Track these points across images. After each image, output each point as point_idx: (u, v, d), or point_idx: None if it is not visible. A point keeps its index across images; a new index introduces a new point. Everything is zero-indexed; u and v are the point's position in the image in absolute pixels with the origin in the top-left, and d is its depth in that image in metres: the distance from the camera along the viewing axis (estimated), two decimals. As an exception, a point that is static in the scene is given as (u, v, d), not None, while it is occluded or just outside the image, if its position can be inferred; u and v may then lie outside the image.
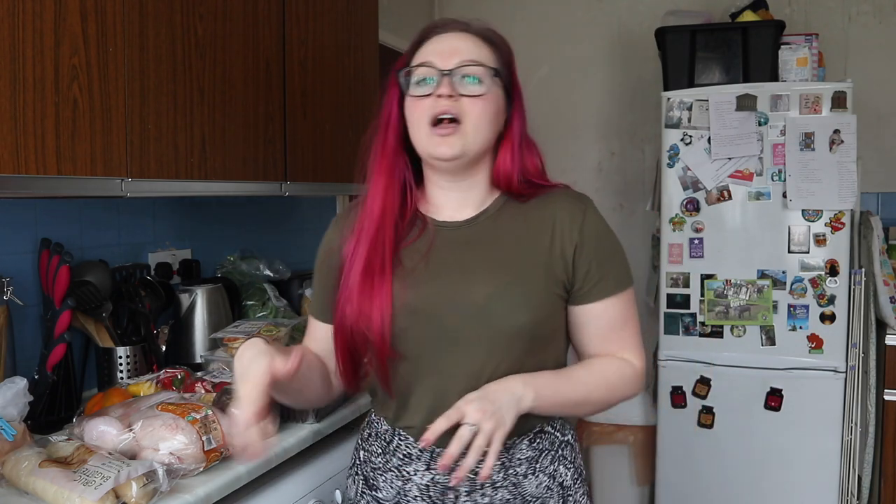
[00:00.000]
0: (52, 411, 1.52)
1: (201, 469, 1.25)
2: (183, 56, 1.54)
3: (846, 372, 2.49)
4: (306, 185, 2.00)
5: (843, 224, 2.47)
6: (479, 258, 1.14)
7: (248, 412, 0.96)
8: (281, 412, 1.51)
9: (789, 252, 2.52)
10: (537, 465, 1.16)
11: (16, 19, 1.17)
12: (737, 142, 2.53)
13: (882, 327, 2.53)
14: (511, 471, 1.14)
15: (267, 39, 1.81)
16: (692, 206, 2.61)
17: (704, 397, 2.63)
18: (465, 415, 0.99)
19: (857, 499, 2.53)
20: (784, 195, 2.50)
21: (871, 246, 2.51)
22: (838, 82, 2.49)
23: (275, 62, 1.85)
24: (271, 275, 2.23)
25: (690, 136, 2.59)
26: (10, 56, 1.16)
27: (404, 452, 1.17)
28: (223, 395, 1.44)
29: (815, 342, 2.51)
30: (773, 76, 2.58)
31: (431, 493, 1.14)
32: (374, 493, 1.20)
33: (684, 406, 2.65)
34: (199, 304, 1.91)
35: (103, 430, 1.27)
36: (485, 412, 0.99)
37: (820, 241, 2.49)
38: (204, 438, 1.26)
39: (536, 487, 1.15)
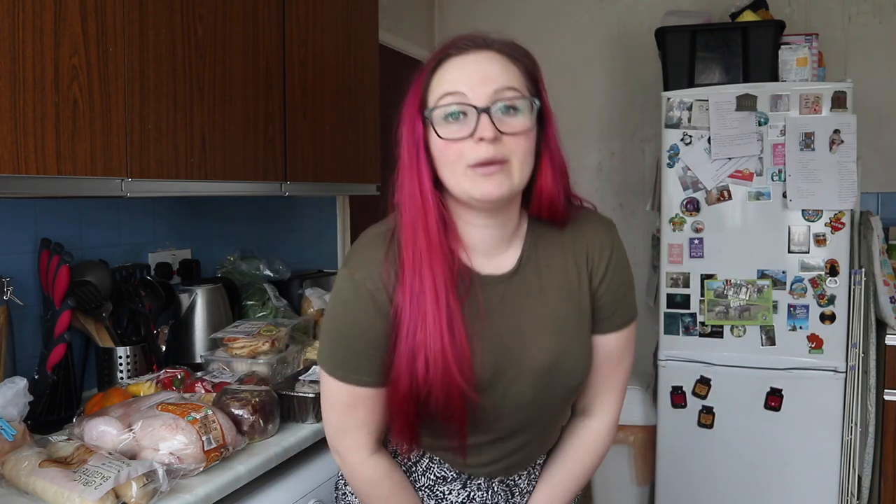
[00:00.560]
0: (52, 411, 1.52)
1: (201, 469, 1.25)
2: (183, 56, 1.54)
3: (846, 372, 2.49)
4: (306, 185, 2.00)
5: (843, 224, 2.47)
6: (530, 319, 1.08)
7: None
8: (281, 412, 1.51)
9: (789, 252, 2.52)
10: None
11: (16, 19, 1.17)
12: (737, 142, 2.53)
13: (882, 327, 2.53)
14: None
15: (267, 39, 1.81)
16: (692, 206, 2.61)
17: (704, 397, 2.63)
18: None
19: (857, 499, 2.53)
20: (784, 195, 2.50)
21: (871, 246, 2.51)
22: (838, 82, 2.49)
23: (275, 62, 1.85)
24: (271, 275, 2.23)
25: (690, 136, 2.59)
26: (10, 56, 1.16)
27: (437, 475, 1.17)
28: (223, 395, 1.44)
29: (815, 342, 2.51)
30: (773, 76, 2.58)
31: None
32: None
33: (684, 406, 2.65)
34: (199, 304, 1.92)
35: (103, 430, 1.27)
36: None
37: (820, 241, 2.49)
38: (204, 438, 1.26)
39: None
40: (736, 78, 2.65)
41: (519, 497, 1.20)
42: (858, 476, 2.54)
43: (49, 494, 1.12)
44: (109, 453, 1.20)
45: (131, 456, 1.23)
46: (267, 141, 1.82)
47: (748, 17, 2.70)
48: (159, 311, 1.86)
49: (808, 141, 2.48)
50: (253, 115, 1.77)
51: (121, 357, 1.68)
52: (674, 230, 2.63)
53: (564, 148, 1.10)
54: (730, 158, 2.54)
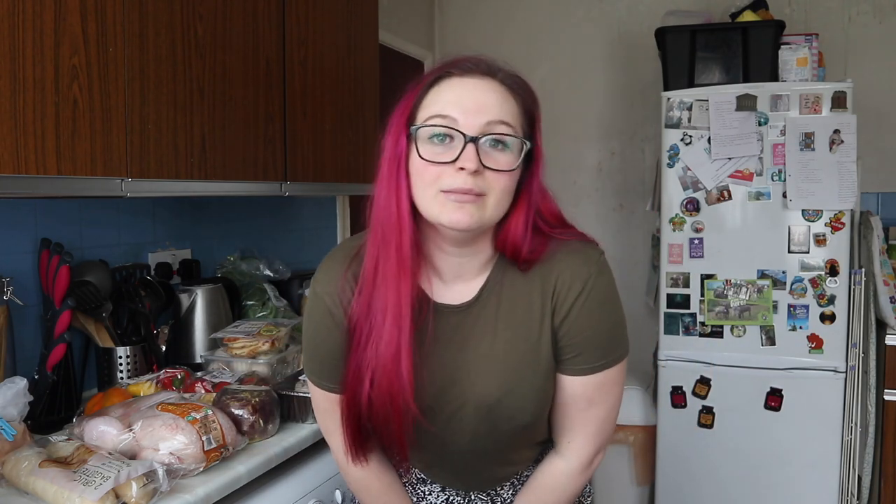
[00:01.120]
0: (52, 411, 1.52)
1: (201, 469, 1.25)
2: (183, 56, 1.54)
3: (846, 372, 2.49)
4: (306, 185, 2.00)
5: (843, 224, 2.47)
6: (480, 353, 1.05)
7: None
8: (281, 412, 1.51)
9: (789, 252, 2.52)
10: None
11: (16, 19, 1.17)
12: (737, 142, 2.53)
13: (882, 327, 2.53)
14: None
15: (267, 39, 1.81)
16: (692, 206, 2.61)
17: (704, 397, 2.63)
18: None
19: (857, 499, 2.53)
20: (784, 195, 2.50)
21: (871, 246, 2.51)
22: (838, 82, 2.49)
23: (275, 62, 1.85)
24: (271, 275, 2.23)
25: (690, 136, 2.59)
26: (10, 56, 1.16)
27: (418, 476, 1.22)
28: (223, 395, 1.44)
29: (815, 342, 2.51)
30: (773, 76, 2.58)
31: None
32: None
33: (684, 406, 2.65)
34: (199, 304, 1.91)
35: (103, 430, 1.27)
36: None
37: (820, 241, 2.49)
38: (204, 438, 1.26)
39: None
40: (736, 78, 2.65)
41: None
42: (858, 476, 2.54)
43: (49, 494, 1.12)
44: (109, 453, 1.20)
45: (131, 456, 1.23)
46: (267, 141, 1.82)
47: (748, 17, 2.70)
48: (159, 311, 1.86)
49: (808, 141, 2.48)
50: (253, 115, 1.77)
51: (121, 357, 1.68)
52: (674, 230, 2.63)
53: (551, 190, 1.06)
54: (730, 158, 2.54)
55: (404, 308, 0.98)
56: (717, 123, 2.54)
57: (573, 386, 1.07)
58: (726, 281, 2.58)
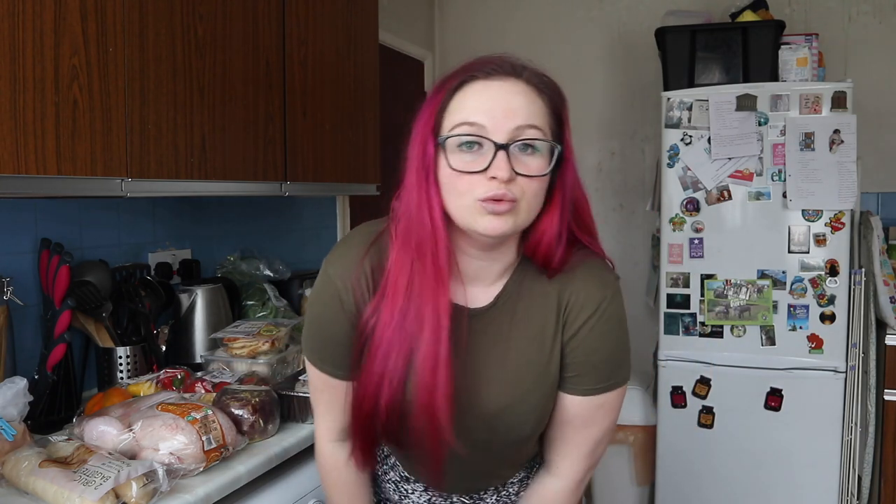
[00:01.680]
0: (52, 411, 1.52)
1: (201, 469, 1.25)
2: (183, 56, 1.54)
3: (846, 372, 2.49)
4: (306, 185, 2.00)
5: (843, 224, 2.47)
6: (490, 361, 1.04)
7: None
8: (281, 412, 1.51)
9: (789, 252, 2.52)
10: None
11: (16, 19, 1.17)
12: (737, 142, 2.53)
13: (882, 327, 2.53)
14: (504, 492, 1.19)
15: (267, 39, 1.81)
16: (692, 206, 2.61)
17: (704, 397, 2.63)
18: None
19: (857, 499, 2.53)
20: (784, 195, 2.50)
21: (871, 246, 2.51)
22: (838, 82, 2.49)
23: (275, 62, 1.85)
24: (271, 275, 2.23)
25: (690, 136, 2.59)
26: (10, 56, 1.16)
27: (401, 474, 1.21)
28: (223, 395, 1.44)
29: (815, 342, 2.51)
30: (773, 76, 2.58)
31: None
32: (379, 494, 1.24)
33: (684, 406, 2.65)
34: (199, 304, 1.91)
35: (103, 430, 1.27)
36: None
37: (820, 241, 2.49)
38: (204, 438, 1.26)
39: None
40: (736, 78, 2.65)
41: None
42: (858, 476, 2.54)
43: (49, 494, 1.12)
44: (109, 453, 1.20)
45: (131, 456, 1.23)
46: (267, 141, 1.82)
47: (748, 17, 2.70)
48: (159, 311, 1.86)
49: (808, 141, 2.48)
50: (253, 115, 1.77)
51: (121, 357, 1.68)
52: (674, 230, 2.63)
53: (585, 188, 1.04)
54: (730, 158, 2.54)
55: (443, 319, 0.97)
56: (717, 123, 2.54)
57: (572, 405, 1.06)
58: (726, 281, 2.58)
